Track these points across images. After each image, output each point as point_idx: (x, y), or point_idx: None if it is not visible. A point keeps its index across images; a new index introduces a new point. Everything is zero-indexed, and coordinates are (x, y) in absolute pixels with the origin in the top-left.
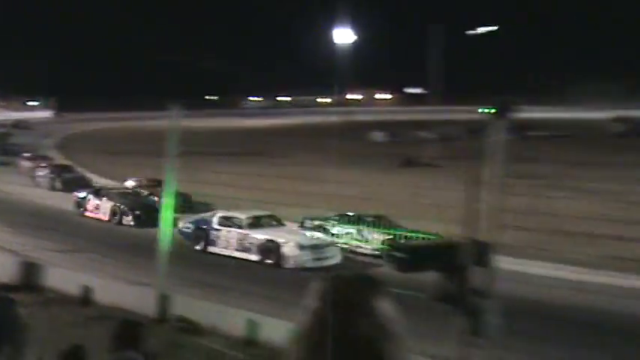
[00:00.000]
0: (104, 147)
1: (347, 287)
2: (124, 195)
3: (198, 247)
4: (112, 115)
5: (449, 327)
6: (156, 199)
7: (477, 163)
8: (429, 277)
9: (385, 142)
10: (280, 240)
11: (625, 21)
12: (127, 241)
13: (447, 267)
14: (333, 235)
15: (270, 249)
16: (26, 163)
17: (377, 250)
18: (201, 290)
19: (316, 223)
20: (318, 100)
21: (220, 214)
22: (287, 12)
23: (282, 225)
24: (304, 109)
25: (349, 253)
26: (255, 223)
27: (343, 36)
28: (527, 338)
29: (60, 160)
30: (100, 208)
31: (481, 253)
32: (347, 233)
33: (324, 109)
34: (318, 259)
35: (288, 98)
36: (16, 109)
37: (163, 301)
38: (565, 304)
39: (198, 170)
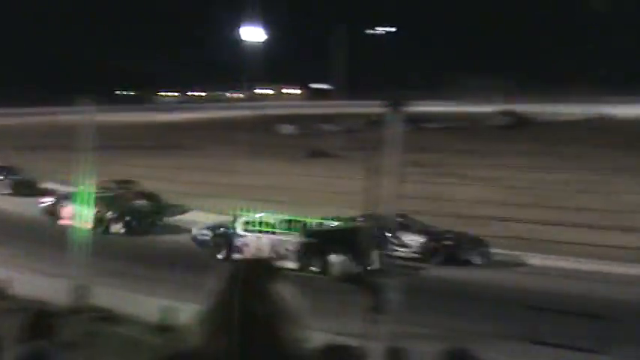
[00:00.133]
0: (21, 143)
1: (248, 272)
2: (108, 199)
3: (220, 256)
4: (23, 111)
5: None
6: (143, 202)
7: (377, 153)
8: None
9: (294, 135)
10: (322, 244)
11: (513, 21)
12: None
13: (350, 250)
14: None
15: (308, 254)
16: None
17: None
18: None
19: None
20: (229, 95)
21: (244, 218)
22: (197, 10)
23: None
24: (217, 103)
25: None
26: (290, 227)
27: (253, 34)
28: (432, 313)
29: None
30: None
31: (381, 235)
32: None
33: (235, 104)
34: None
35: (203, 93)
36: None
37: (81, 291)
38: (467, 281)
39: (113, 164)
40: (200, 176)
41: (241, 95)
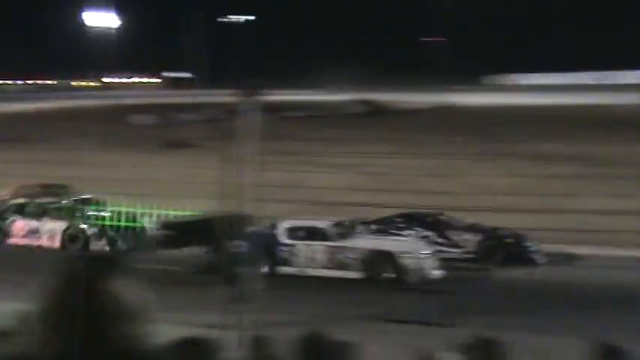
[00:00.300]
0: None
1: (85, 269)
2: (67, 210)
3: (263, 269)
4: None
5: (213, 296)
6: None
7: (235, 142)
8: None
9: (151, 125)
10: (397, 249)
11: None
12: None
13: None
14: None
15: (382, 262)
16: None
17: None
18: None
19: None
20: (77, 83)
21: (287, 224)
22: None
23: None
24: (66, 92)
25: None
26: (345, 231)
27: (106, 20)
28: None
29: None
30: (39, 232)
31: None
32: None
33: (87, 93)
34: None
35: (51, 82)
36: None
37: None
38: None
39: None
40: (50, 171)
41: (91, 84)
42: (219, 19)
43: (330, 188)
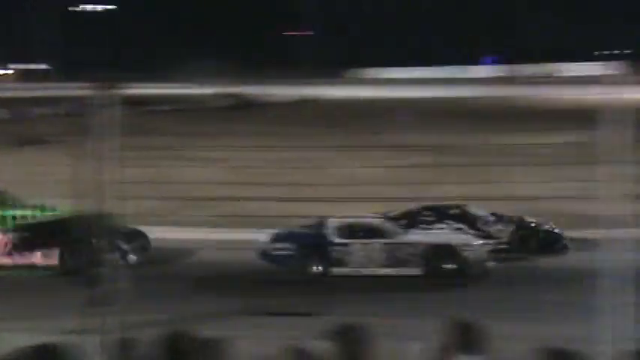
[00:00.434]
0: None
1: None
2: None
3: (315, 270)
4: None
5: (73, 299)
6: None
7: (93, 138)
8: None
9: (2, 120)
10: (456, 242)
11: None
12: None
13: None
14: None
15: (444, 256)
16: None
17: None
18: None
19: None
20: None
21: (337, 222)
22: None
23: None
24: None
25: None
26: (403, 226)
27: None
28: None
29: None
30: (29, 247)
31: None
32: None
33: None
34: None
35: None
36: None
37: None
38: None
39: None
40: None
41: None
42: (75, 8)
43: (195, 183)
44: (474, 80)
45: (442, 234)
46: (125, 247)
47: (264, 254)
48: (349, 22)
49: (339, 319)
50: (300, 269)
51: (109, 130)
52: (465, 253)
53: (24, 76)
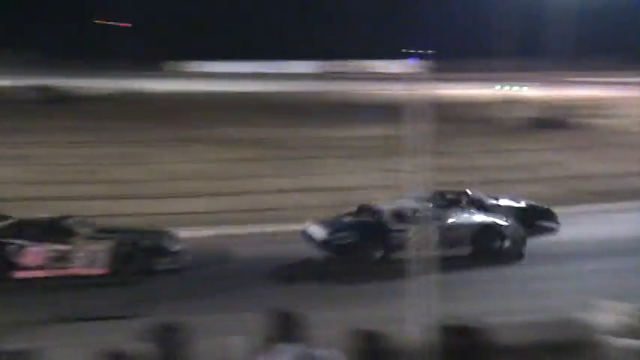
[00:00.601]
0: None
1: None
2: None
3: (377, 256)
4: None
5: None
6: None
7: None
8: None
9: None
10: (499, 222)
11: None
12: None
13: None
14: None
15: (492, 235)
16: None
17: None
18: None
19: None
20: None
21: (392, 208)
22: None
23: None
24: None
25: None
26: (450, 208)
27: None
28: None
29: None
30: (67, 258)
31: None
32: None
33: None
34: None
35: None
36: None
37: None
38: None
39: None
40: None
41: None
42: None
43: (4, 183)
44: (292, 75)
45: (483, 215)
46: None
47: (326, 244)
48: (169, 15)
49: (159, 319)
50: (363, 256)
51: None
52: (508, 232)
53: None
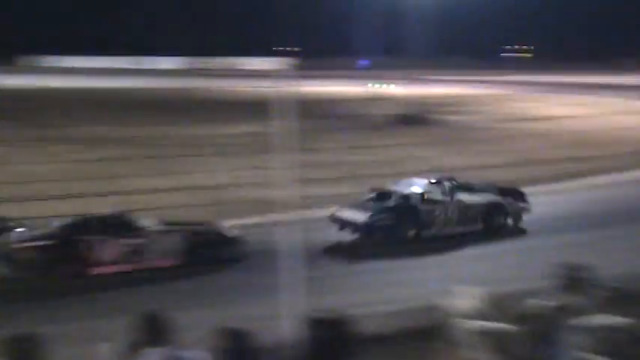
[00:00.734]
0: None
1: None
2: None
3: (411, 234)
4: None
5: None
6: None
7: None
8: None
9: None
10: (503, 201)
11: None
12: None
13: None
14: None
15: (498, 212)
16: None
17: None
18: None
19: None
20: None
21: (419, 191)
22: None
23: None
24: None
25: None
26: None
27: None
28: None
29: None
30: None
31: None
32: None
33: None
34: None
35: None
36: None
37: None
38: None
39: None
40: None
41: None
42: None
43: None
44: (157, 71)
45: (489, 195)
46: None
47: (368, 226)
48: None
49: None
50: (400, 235)
51: None
52: (510, 209)
53: None
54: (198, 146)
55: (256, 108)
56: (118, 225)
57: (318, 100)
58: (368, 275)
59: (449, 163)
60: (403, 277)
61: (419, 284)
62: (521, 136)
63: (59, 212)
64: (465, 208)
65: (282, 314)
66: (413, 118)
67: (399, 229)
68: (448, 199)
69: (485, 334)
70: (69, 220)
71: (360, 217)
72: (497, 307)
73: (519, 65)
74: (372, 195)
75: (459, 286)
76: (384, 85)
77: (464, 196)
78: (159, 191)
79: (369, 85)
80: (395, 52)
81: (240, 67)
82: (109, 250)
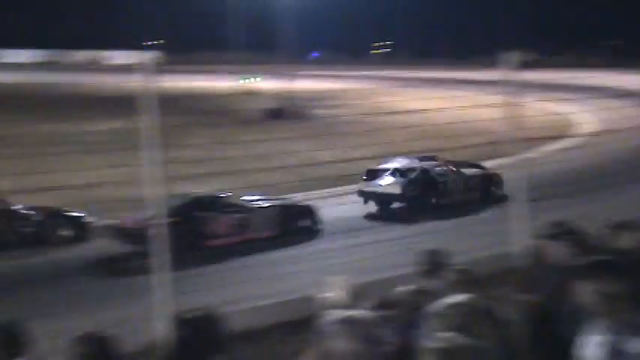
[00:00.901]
0: None
1: None
2: None
3: (433, 202)
4: None
5: None
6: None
7: None
8: None
9: None
10: (489, 172)
11: None
12: None
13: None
14: None
15: (490, 182)
16: None
17: None
18: None
19: None
20: None
21: (435, 166)
22: None
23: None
24: None
25: None
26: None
27: None
28: None
29: None
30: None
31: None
32: None
33: None
34: None
35: None
36: None
37: None
38: None
39: None
40: None
41: None
42: None
43: None
44: (12, 65)
45: (479, 168)
46: None
47: (402, 196)
48: None
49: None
50: (425, 203)
51: None
52: (497, 179)
53: None
54: (66, 144)
55: (123, 103)
56: (224, 202)
57: (187, 94)
58: (245, 271)
59: (316, 157)
60: (279, 271)
61: (294, 277)
62: (386, 129)
63: None
64: (467, 179)
65: (153, 315)
66: (283, 112)
67: (424, 199)
68: (455, 171)
69: (347, 322)
70: (180, 199)
71: (394, 188)
72: (362, 295)
73: (385, 61)
74: (389, 171)
75: (331, 277)
76: (254, 80)
77: (465, 170)
78: (20, 192)
79: (242, 80)
80: (264, 47)
81: (105, 62)
82: (222, 225)
